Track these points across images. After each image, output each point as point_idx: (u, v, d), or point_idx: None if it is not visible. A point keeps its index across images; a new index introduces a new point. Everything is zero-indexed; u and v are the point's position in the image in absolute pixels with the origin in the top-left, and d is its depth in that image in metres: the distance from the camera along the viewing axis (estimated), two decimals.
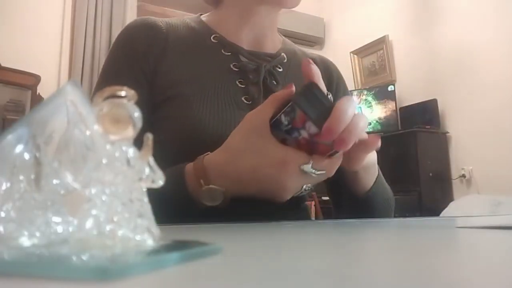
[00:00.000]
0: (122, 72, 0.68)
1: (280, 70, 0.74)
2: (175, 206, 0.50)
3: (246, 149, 0.50)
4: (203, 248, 0.20)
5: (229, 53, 0.72)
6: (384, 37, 3.73)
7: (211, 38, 0.73)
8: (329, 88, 0.79)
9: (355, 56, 4.02)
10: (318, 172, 0.48)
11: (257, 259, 0.20)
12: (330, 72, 0.82)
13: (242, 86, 0.70)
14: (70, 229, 0.19)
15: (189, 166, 0.54)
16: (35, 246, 0.18)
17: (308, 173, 0.48)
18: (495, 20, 2.94)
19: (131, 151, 0.19)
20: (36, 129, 0.19)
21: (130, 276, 0.14)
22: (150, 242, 0.19)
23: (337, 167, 0.50)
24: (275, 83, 0.71)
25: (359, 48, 3.95)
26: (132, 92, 0.19)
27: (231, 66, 0.71)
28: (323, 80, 0.78)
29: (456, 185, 3.14)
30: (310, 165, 0.47)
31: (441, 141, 3.21)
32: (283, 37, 0.82)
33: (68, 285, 0.14)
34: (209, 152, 0.54)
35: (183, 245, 0.20)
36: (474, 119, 3.02)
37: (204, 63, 0.70)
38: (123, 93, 0.19)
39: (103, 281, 0.14)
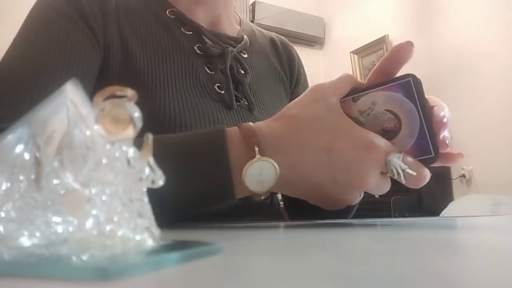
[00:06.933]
0: (68, 36, 0.53)
1: (245, 56, 0.68)
2: (198, 194, 0.39)
3: (316, 122, 0.39)
4: (203, 248, 0.20)
5: (190, 32, 0.63)
6: (384, 36, 3.73)
7: (167, 12, 0.63)
8: (291, 71, 0.77)
9: (355, 56, 4.02)
10: (408, 171, 0.38)
11: (257, 259, 0.20)
12: (292, 56, 0.78)
13: (212, 72, 0.61)
14: (70, 229, 0.19)
15: (231, 130, 0.40)
16: (35, 246, 0.18)
17: (392, 169, 0.38)
18: (496, 20, 2.93)
19: (131, 151, 0.19)
20: (36, 129, 0.19)
21: (130, 276, 0.14)
22: (150, 242, 0.19)
23: (427, 180, 0.40)
24: (242, 71, 0.65)
25: (359, 48, 3.95)
26: (132, 92, 0.19)
27: (195, 48, 0.62)
28: (284, 61, 0.76)
29: (456, 185, 3.14)
30: (400, 158, 0.38)
31: None
32: (239, 15, 0.76)
33: (68, 285, 0.14)
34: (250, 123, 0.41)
35: (183, 245, 0.20)
36: (474, 119, 3.02)
37: (163, 42, 0.60)
38: (123, 93, 0.19)
39: (103, 281, 0.14)
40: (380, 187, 0.41)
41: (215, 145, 0.39)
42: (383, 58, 0.43)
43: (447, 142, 0.40)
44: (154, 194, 0.20)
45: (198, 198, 0.40)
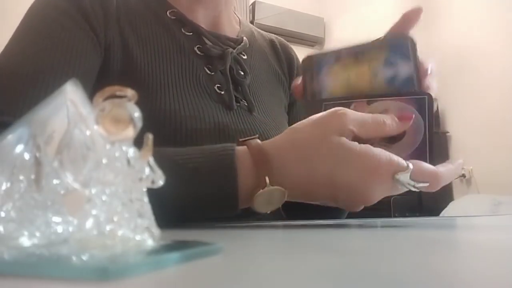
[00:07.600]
0: (69, 34, 0.54)
1: (245, 57, 0.68)
2: (204, 208, 0.41)
3: (321, 147, 0.40)
4: (203, 248, 0.20)
5: (191, 33, 0.64)
6: None
7: (167, 13, 0.64)
8: (290, 73, 0.77)
9: None
10: (419, 185, 0.39)
11: (257, 259, 0.20)
12: (291, 58, 0.79)
13: (212, 73, 0.62)
14: (70, 229, 0.19)
15: (242, 153, 0.41)
16: (35, 246, 0.18)
17: (401, 185, 0.39)
18: (496, 20, 2.93)
19: (131, 151, 0.19)
20: (36, 129, 0.19)
21: (130, 276, 0.14)
22: (150, 242, 0.19)
23: (449, 181, 0.41)
24: (242, 73, 0.65)
25: None
26: (132, 92, 0.19)
27: (195, 49, 0.63)
28: (283, 63, 0.77)
29: (456, 185, 3.14)
30: (409, 174, 0.38)
31: (441, 141, 3.21)
32: (238, 16, 0.77)
33: (68, 285, 0.14)
34: (256, 139, 0.42)
35: (183, 245, 0.20)
36: (474, 119, 3.02)
37: (163, 42, 0.61)
38: (123, 93, 0.19)
39: (103, 281, 0.14)
40: (393, 192, 0.42)
41: (224, 163, 0.40)
42: (397, 21, 0.53)
43: (428, 71, 0.47)
44: (158, 206, 0.20)
45: (202, 209, 0.42)
